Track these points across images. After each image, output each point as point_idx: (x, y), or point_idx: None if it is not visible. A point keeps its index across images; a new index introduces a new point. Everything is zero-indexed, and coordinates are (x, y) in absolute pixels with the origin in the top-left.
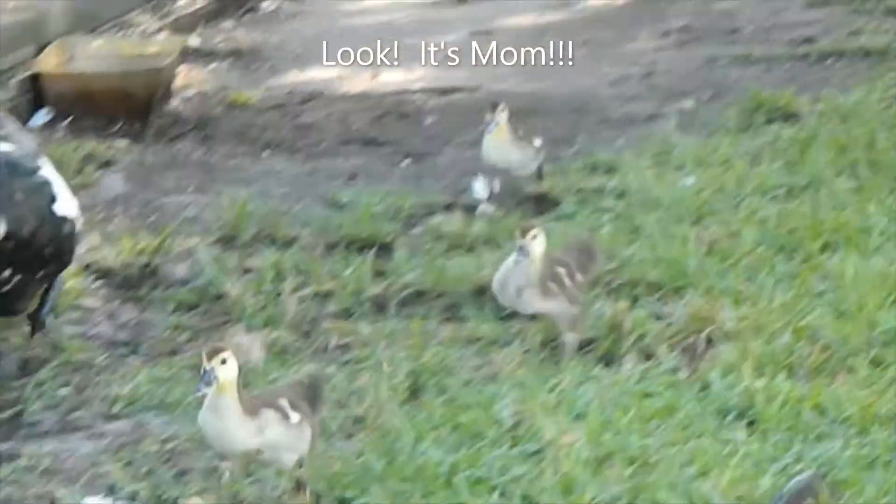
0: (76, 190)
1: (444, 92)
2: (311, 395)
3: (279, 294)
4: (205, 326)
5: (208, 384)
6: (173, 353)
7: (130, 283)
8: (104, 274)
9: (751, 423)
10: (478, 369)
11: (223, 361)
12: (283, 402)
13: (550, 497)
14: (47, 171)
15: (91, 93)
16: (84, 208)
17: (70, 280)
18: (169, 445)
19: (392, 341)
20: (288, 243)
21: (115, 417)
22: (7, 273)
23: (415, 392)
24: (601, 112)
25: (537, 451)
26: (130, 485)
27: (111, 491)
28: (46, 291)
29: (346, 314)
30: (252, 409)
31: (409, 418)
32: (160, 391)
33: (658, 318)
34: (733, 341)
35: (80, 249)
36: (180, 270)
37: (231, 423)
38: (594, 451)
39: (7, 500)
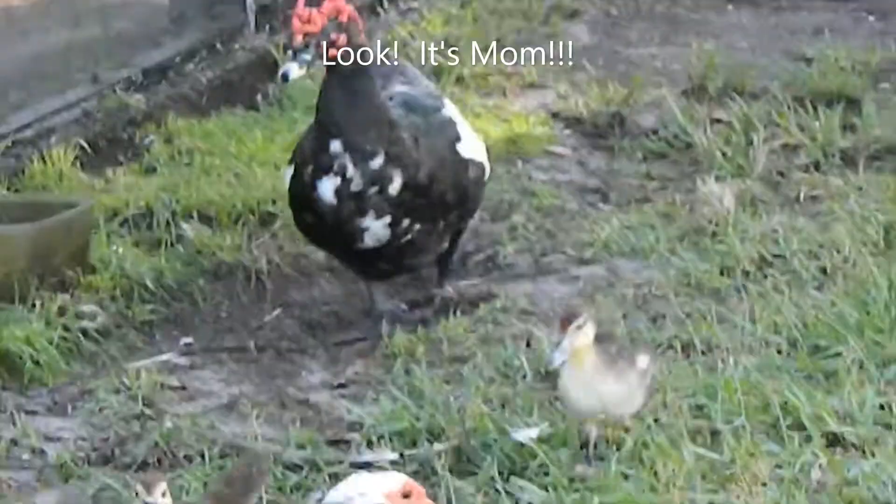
0: (543, 40)
1: None
2: None
3: (749, 145)
4: (674, 175)
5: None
6: (644, 200)
7: (599, 131)
8: (573, 122)
9: None
10: None
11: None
12: None
13: None
14: (450, 111)
15: None
16: (551, 58)
17: (540, 127)
18: (643, 290)
19: (862, 194)
20: (755, 95)
21: (588, 262)
22: (406, 223)
23: (888, 245)
24: None
25: None
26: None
27: None
28: (454, 240)
29: (816, 166)
30: None
31: (882, 271)
32: (632, 237)
33: None
34: None
35: (548, 99)
36: (648, 120)
37: None
38: None
39: (485, 339)
